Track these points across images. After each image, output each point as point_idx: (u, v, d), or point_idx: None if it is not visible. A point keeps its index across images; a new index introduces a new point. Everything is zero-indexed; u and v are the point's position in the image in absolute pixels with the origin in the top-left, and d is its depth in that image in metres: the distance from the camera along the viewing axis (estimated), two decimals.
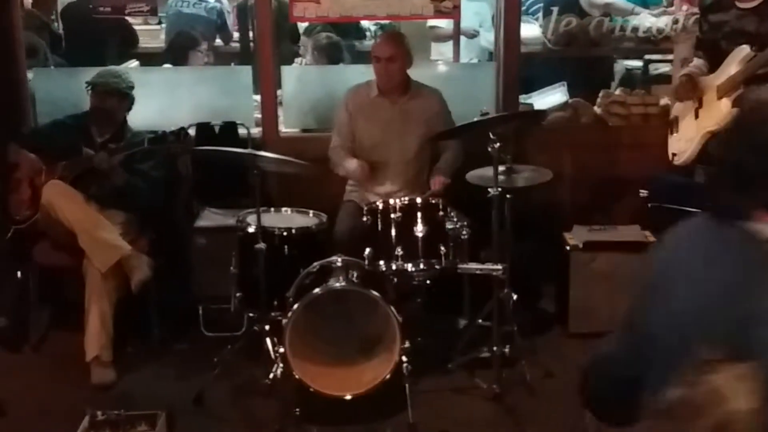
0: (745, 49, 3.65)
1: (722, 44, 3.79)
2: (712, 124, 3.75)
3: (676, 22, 4.96)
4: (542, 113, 4.69)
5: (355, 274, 3.66)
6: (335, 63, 5.77)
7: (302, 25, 6.43)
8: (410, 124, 4.32)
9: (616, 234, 4.41)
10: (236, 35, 6.99)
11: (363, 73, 4.52)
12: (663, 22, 5.17)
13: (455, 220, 3.64)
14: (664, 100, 4.99)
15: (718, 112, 3.72)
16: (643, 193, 3.76)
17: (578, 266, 4.31)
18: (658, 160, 4.54)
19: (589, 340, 4.25)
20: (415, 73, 4.42)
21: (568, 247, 4.34)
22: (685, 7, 5.35)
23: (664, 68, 5.75)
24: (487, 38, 6.01)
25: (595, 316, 4.30)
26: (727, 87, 3.68)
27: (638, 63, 6.21)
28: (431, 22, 6.10)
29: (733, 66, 3.69)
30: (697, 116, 3.87)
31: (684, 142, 3.91)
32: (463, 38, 6.16)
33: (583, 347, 4.23)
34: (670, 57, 5.11)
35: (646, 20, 5.25)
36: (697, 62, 4.01)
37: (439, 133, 4.12)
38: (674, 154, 3.96)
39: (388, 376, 3.54)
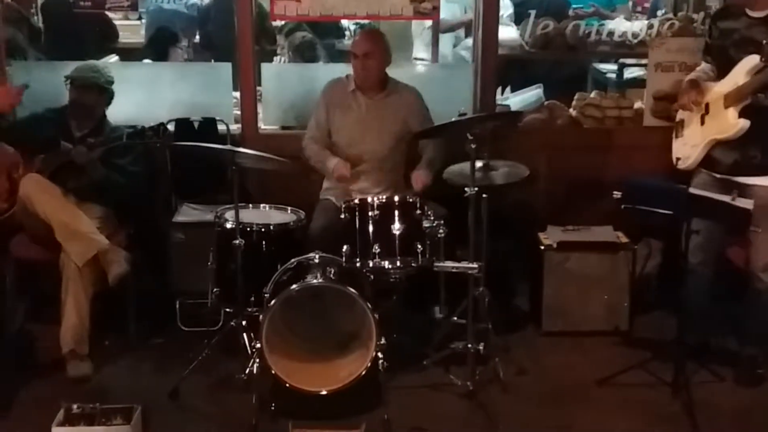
0: (754, 59, 3.65)
1: (731, 51, 3.78)
2: (717, 133, 3.78)
3: (651, 27, 5.03)
4: (519, 114, 4.74)
5: (332, 271, 3.69)
6: (310, 62, 5.81)
7: (279, 25, 6.44)
8: (386, 120, 4.35)
9: (589, 234, 4.48)
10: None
11: (342, 72, 4.54)
12: (638, 26, 5.24)
13: (432, 218, 3.68)
14: (638, 104, 5.07)
15: (725, 121, 3.73)
16: (617, 194, 3.79)
17: (552, 266, 4.37)
18: (631, 162, 4.62)
19: (562, 338, 4.35)
20: (394, 73, 4.46)
21: (542, 247, 4.40)
22: (659, 13, 5.43)
23: (639, 72, 5.82)
24: None
25: (567, 314, 4.39)
26: (734, 97, 3.69)
27: (613, 66, 6.28)
28: None
29: (741, 75, 3.69)
30: (703, 123, 3.88)
31: (689, 148, 3.93)
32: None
33: (555, 345, 4.31)
34: (644, 61, 5.18)
35: (622, 25, 5.32)
36: (704, 67, 4.01)
37: (418, 133, 4.16)
38: (678, 159, 3.98)
39: (363, 372, 3.57)
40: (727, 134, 3.73)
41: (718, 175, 3.86)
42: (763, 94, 3.68)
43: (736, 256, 4.11)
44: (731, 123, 3.71)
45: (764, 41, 3.63)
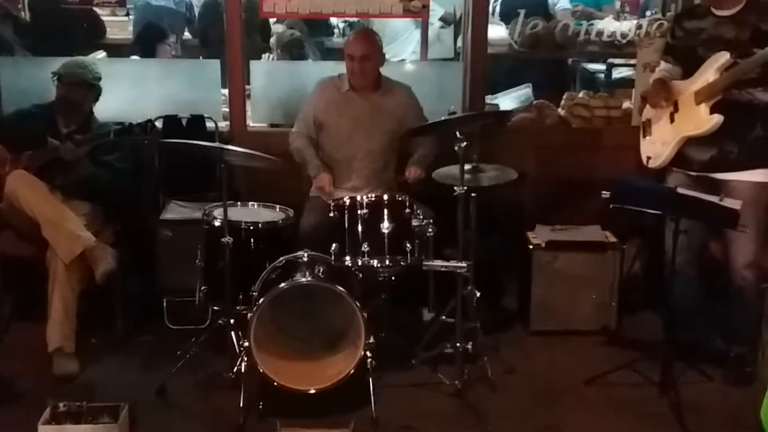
0: (723, 56, 3.67)
1: (699, 51, 3.79)
2: (690, 129, 3.78)
3: (639, 27, 5.04)
4: (508, 114, 4.74)
5: (320, 269, 3.68)
6: (297, 59, 5.80)
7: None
8: (380, 119, 4.34)
9: (578, 234, 4.49)
10: None
11: (332, 69, 4.54)
12: (627, 26, 5.25)
13: (421, 217, 3.68)
14: (626, 104, 5.08)
15: (697, 117, 3.74)
16: (605, 194, 3.80)
17: (540, 265, 4.38)
18: (620, 162, 4.63)
19: (550, 337, 4.35)
20: (382, 70, 4.45)
21: (530, 246, 4.40)
22: (648, 13, 5.44)
23: (627, 72, 5.84)
24: None
25: (555, 314, 4.39)
26: (706, 93, 3.70)
27: (601, 66, 6.30)
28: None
29: (710, 72, 3.70)
30: (672, 120, 3.90)
31: (659, 146, 3.94)
32: None
33: (543, 345, 4.32)
34: (633, 61, 5.20)
35: (611, 25, 5.33)
36: (666, 67, 4.02)
37: (408, 131, 4.15)
38: (649, 158, 3.99)
39: (352, 371, 3.57)
40: (701, 130, 3.74)
41: (693, 173, 3.87)
42: (737, 90, 3.69)
43: (717, 252, 4.11)
44: (704, 119, 3.72)
45: (733, 38, 3.66)
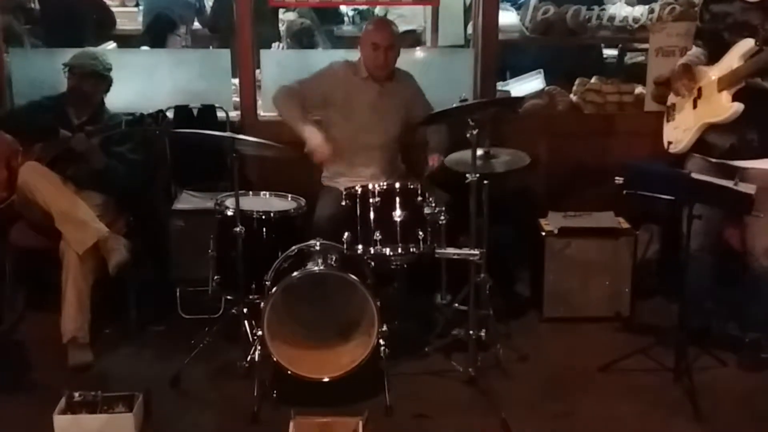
0: (748, 43, 3.63)
1: (725, 35, 3.76)
2: (711, 116, 3.76)
3: (652, 11, 5.00)
4: (519, 100, 4.72)
5: (333, 258, 3.68)
6: (307, 48, 5.78)
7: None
8: (394, 107, 4.34)
9: (591, 220, 4.47)
10: None
11: (342, 58, 4.52)
12: (639, 11, 5.21)
13: (433, 205, 3.67)
14: (639, 89, 5.05)
15: (718, 104, 3.72)
16: (618, 180, 3.78)
17: (553, 252, 4.37)
18: (633, 148, 4.61)
19: (563, 324, 4.35)
20: None
21: (543, 233, 4.39)
22: None
23: (639, 57, 5.80)
24: None
25: (569, 300, 4.38)
26: (728, 80, 3.68)
27: (614, 52, 6.25)
28: None
29: (735, 59, 3.67)
30: (695, 106, 3.87)
31: (681, 132, 3.92)
32: None
33: (557, 331, 4.31)
34: (645, 46, 5.16)
35: (622, 9, 5.29)
36: (696, 51, 3.99)
37: (422, 120, 4.11)
38: (670, 143, 3.96)
39: (365, 359, 3.57)
40: (720, 117, 3.72)
41: (713, 160, 3.85)
42: (761, 78, 3.66)
43: (733, 239, 4.09)
44: (725, 106, 3.70)
45: (759, 25, 3.62)
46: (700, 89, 3.86)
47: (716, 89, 3.74)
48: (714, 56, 3.85)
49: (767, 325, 3.97)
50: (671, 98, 4.07)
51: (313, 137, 4.14)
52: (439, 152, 4.19)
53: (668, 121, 4.06)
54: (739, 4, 3.75)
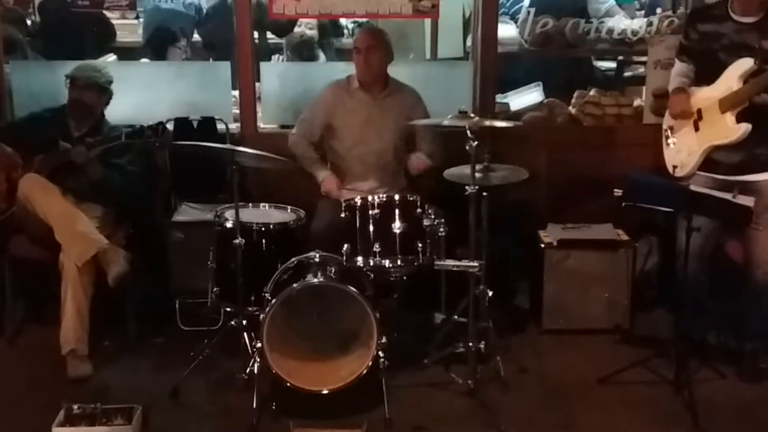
0: (747, 63, 3.64)
1: (720, 56, 3.76)
2: (717, 138, 3.75)
3: (650, 24, 5.02)
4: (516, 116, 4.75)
5: (332, 270, 3.68)
6: (308, 60, 5.79)
7: None
8: (388, 119, 4.35)
9: (590, 232, 4.48)
10: None
11: (342, 71, 4.54)
12: (637, 24, 5.23)
13: (432, 217, 3.67)
14: (637, 101, 5.07)
15: (724, 126, 3.71)
16: (617, 192, 3.78)
17: (552, 264, 4.37)
18: (631, 160, 4.61)
19: (563, 336, 4.34)
20: (392, 70, 4.44)
21: (542, 245, 4.40)
22: (659, 10, 5.42)
23: (639, 70, 5.82)
24: None
25: (568, 313, 4.38)
26: (732, 101, 3.67)
27: (612, 64, 6.27)
28: None
29: (734, 79, 3.67)
30: (697, 128, 3.86)
31: (685, 155, 3.89)
32: None
33: (556, 344, 4.31)
34: (644, 59, 5.18)
35: (621, 22, 5.31)
36: (682, 68, 3.99)
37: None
38: (675, 167, 3.94)
39: (364, 371, 3.57)
40: (728, 139, 3.72)
41: (718, 177, 3.85)
42: (764, 93, 3.67)
43: (735, 253, 4.10)
44: (732, 128, 3.70)
45: (757, 46, 3.63)
46: (699, 111, 3.86)
47: (719, 111, 3.73)
48: (705, 74, 3.85)
49: (766, 336, 3.97)
50: (668, 121, 4.06)
51: (327, 182, 4.29)
52: (427, 156, 4.19)
53: (667, 144, 4.05)
54: (731, 25, 3.76)
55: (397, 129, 4.35)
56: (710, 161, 3.85)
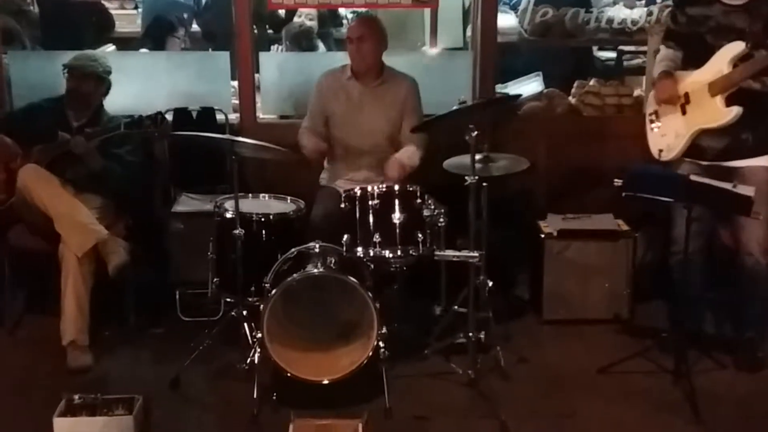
0: (737, 46, 3.63)
1: (707, 38, 3.74)
2: (706, 122, 3.74)
3: (650, 14, 5.01)
4: (515, 98, 4.72)
5: (332, 260, 3.68)
6: (307, 50, 5.78)
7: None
8: (381, 108, 4.32)
9: (590, 222, 4.48)
10: None
11: (341, 60, 4.52)
12: (637, 13, 5.23)
13: (432, 207, 3.67)
14: (637, 91, 5.06)
15: (713, 109, 3.70)
16: (617, 182, 3.78)
17: (552, 254, 4.37)
18: (631, 150, 4.60)
19: (563, 326, 4.35)
20: (392, 61, 4.43)
21: (542, 235, 4.40)
22: (658, 0, 5.41)
23: (638, 59, 5.81)
24: None
25: (568, 303, 4.39)
26: (722, 85, 3.66)
27: (612, 54, 6.26)
28: None
29: (724, 63, 3.66)
30: (684, 112, 3.85)
31: (672, 138, 3.89)
32: None
33: (556, 334, 4.31)
34: (644, 48, 5.17)
35: (621, 12, 5.30)
36: (669, 53, 3.96)
37: (423, 123, 4.10)
38: (660, 150, 3.93)
39: (365, 362, 3.57)
40: (718, 122, 3.71)
41: (704, 163, 3.84)
42: (751, 79, 3.66)
43: (730, 241, 4.09)
44: (722, 111, 3.69)
45: (746, 28, 3.62)
46: (687, 95, 3.85)
47: (708, 94, 3.72)
48: (693, 59, 3.83)
49: (763, 324, 3.98)
50: (651, 105, 4.04)
51: (307, 142, 4.26)
52: (401, 161, 4.13)
53: (651, 129, 4.03)
54: (719, 7, 3.73)
55: (391, 118, 4.33)
56: (695, 148, 3.84)
